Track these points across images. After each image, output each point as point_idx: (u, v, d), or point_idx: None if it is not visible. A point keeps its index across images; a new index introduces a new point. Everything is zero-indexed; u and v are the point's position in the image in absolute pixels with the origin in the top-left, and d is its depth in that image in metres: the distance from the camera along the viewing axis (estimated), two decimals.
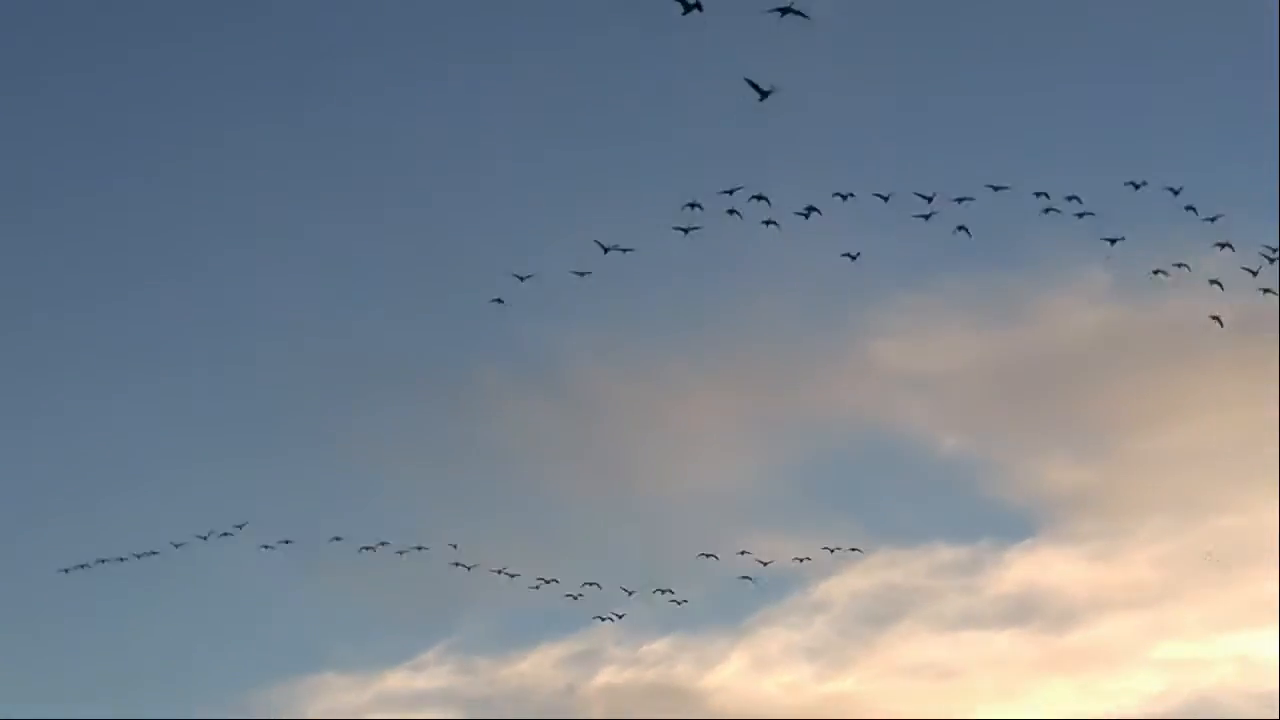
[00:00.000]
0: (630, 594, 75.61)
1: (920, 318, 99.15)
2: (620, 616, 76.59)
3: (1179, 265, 71.38)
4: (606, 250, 67.60)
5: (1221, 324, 72.26)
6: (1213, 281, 71.24)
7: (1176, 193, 70.25)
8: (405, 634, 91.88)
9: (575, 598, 75.80)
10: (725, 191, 66.90)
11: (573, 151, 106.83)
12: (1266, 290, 71.29)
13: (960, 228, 70.34)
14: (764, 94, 53.16)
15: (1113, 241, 70.03)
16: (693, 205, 67.59)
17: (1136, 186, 70.45)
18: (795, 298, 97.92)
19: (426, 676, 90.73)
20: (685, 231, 67.75)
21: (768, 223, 67.90)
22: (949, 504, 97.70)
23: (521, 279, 70.21)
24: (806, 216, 68.83)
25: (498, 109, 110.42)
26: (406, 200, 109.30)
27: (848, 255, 70.99)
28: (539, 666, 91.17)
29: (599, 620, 76.82)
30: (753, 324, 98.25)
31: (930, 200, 68.55)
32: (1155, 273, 71.20)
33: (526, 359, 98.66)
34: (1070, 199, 70.31)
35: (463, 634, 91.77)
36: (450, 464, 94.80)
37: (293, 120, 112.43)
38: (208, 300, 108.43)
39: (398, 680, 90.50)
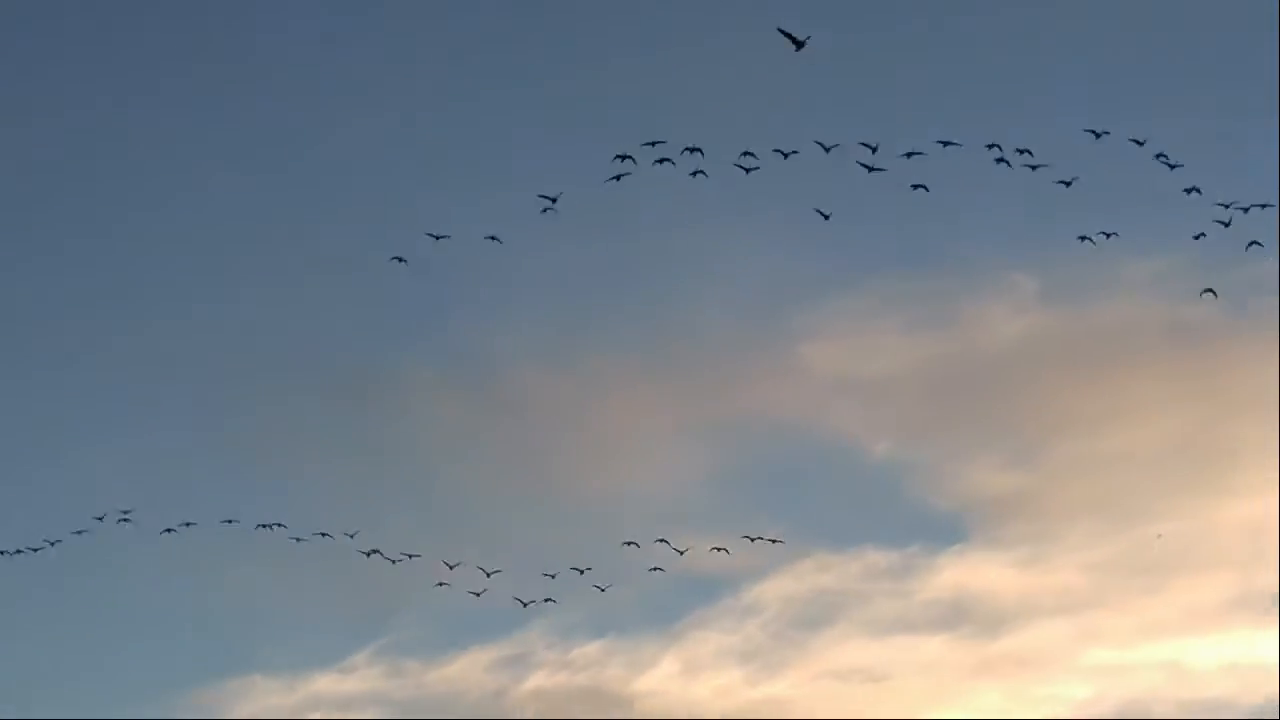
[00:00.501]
0: (552, 577, 74.22)
1: (851, 321, 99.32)
2: (549, 600, 75.63)
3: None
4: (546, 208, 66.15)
5: (1215, 295, 70.17)
6: (1206, 291, 69.71)
7: (1141, 144, 67.72)
8: (334, 635, 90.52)
9: (488, 574, 74.50)
10: (649, 143, 64.87)
11: (492, 113, 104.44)
12: (1207, 290, 69.73)
13: (917, 185, 67.60)
14: (800, 44, 52.01)
15: (1067, 184, 67.40)
16: (623, 157, 65.04)
17: (1097, 135, 68.12)
18: (727, 297, 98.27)
19: (356, 679, 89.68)
20: (618, 179, 65.42)
21: (696, 173, 65.89)
22: (880, 508, 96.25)
23: (436, 238, 68.39)
24: (747, 172, 66.92)
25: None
26: (317, 169, 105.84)
27: (820, 213, 68.12)
28: (469, 670, 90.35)
29: (522, 604, 75.56)
30: (683, 324, 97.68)
31: (875, 151, 65.46)
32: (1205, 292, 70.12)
33: (452, 354, 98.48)
34: (1021, 151, 67.31)
35: (393, 636, 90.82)
36: (366, 458, 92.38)
37: (199, 90, 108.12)
38: (107, 276, 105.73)
39: (327, 683, 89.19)
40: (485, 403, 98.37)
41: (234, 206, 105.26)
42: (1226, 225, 67.41)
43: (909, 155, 66.40)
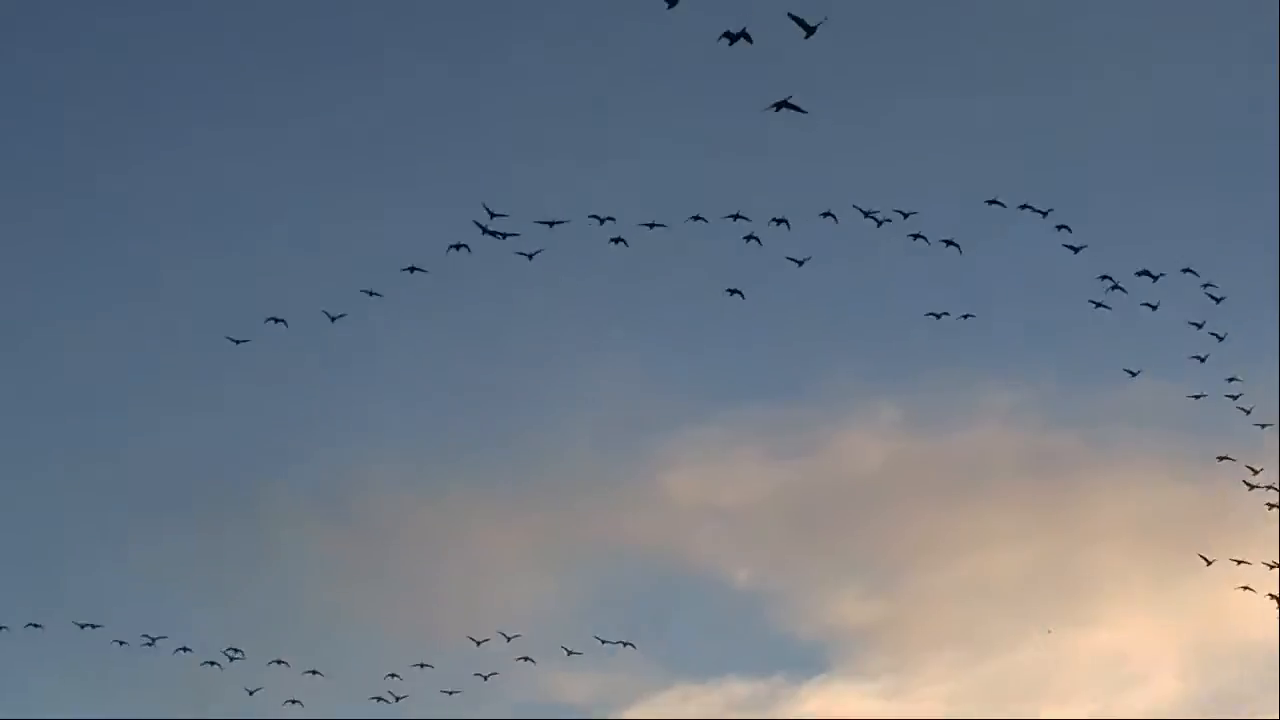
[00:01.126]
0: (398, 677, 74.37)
1: (713, 448, 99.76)
2: (399, 698, 74.99)
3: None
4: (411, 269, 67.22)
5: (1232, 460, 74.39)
6: (1194, 395, 72.45)
7: (1045, 214, 69.35)
8: None
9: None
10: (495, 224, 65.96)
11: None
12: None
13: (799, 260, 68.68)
14: (810, 29, 50.37)
15: (938, 316, 69.98)
16: (493, 215, 65.72)
17: (1004, 206, 69.76)
18: (590, 426, 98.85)
19: None
20: (503, 236, 66.80)
21: (616, 240, 67.70)
22: (743, 638, 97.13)
23: (276, 321, 69.36)
24: (651, 227, 68.29)
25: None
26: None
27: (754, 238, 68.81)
28: None
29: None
30: (546, 452, 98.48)
31: (782, 223, 67.24)
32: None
33: (318, 482, 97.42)
34: (905, 215, 68.88)
35: None
36: (228, 579, 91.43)
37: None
38: None
39: None
40: (350, 531, 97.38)
41: (95, 330, 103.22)
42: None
43: (825, 215, 67.62)
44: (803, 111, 53.57)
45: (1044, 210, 69.58)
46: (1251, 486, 75.15)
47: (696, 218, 67.69)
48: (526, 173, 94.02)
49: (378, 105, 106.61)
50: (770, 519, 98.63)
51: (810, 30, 50.15)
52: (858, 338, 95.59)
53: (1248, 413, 74.26)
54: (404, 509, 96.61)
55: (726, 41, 51.44)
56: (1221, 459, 74.80)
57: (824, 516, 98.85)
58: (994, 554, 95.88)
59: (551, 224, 66.86)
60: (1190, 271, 73.38)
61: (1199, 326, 73.28)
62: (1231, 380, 74.72)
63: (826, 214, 68.47)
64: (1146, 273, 72.23)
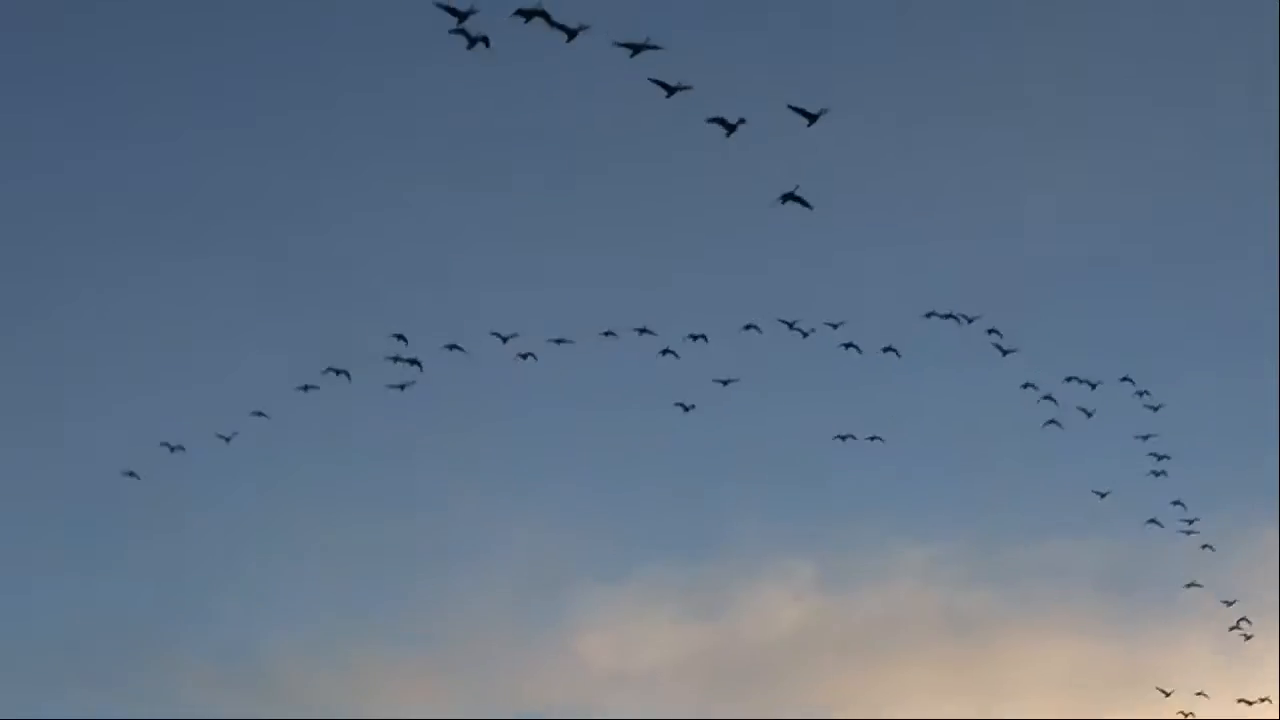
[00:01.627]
0: None
1: (625, 609, 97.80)
2: None
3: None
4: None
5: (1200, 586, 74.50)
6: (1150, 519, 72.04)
7: (981, 325, 68.91)
8: None
9: None
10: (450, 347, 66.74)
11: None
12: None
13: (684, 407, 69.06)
14: (813, 117, 49.76)
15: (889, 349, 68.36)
16: (399, 336, 66.32)
17: (943, 316, 68.61)
18: (499, 585, 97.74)
19: None
20: (401, 388, 67.28)
21: (524, 355, 67.70)
22: None
23: (171, 449, 68.55)
24: (559, 343, 68.38)
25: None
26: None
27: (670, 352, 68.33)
28: None
29: None
30: (453, 613, 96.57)
31: (700, 338, 67.19)
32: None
33: (222, 646, 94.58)
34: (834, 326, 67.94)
35: None
36: None
37: None
38: None
39: None
40: (255, 695, 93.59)
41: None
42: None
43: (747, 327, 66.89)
44: (809, 206, 53.10)
45: (971, 317, 68.40)
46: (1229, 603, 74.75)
47: (608, 333, 67.44)
48: (429, 297, 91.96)
49: (281, 233, 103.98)
50: (684, 682, 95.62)
51: (813, 119, 49.54)
52: (771, 492, 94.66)
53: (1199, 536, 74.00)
54: (310, 671, 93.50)
55: (724, 131, 50.47)
56: (1190, 585, 75.21)
57: (738, 679, 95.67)
58: (912, 713, 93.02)
59: (451, 347, 67.18)
60: (1128, 380, 72.14)
61: (1144, 438, 72.30)
62: (1175, 504, 74.17)
63: (749, 326, 67.63)
64: (1077, 378, 71.12)
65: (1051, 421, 71.48)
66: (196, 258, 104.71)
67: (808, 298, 73.87)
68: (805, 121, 49.39)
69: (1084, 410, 71.47)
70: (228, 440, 68.15)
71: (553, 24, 46.61)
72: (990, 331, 69.18)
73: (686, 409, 69.94)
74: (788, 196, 53.38)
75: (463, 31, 47.79)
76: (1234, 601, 75.34)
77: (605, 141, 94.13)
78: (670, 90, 48.86)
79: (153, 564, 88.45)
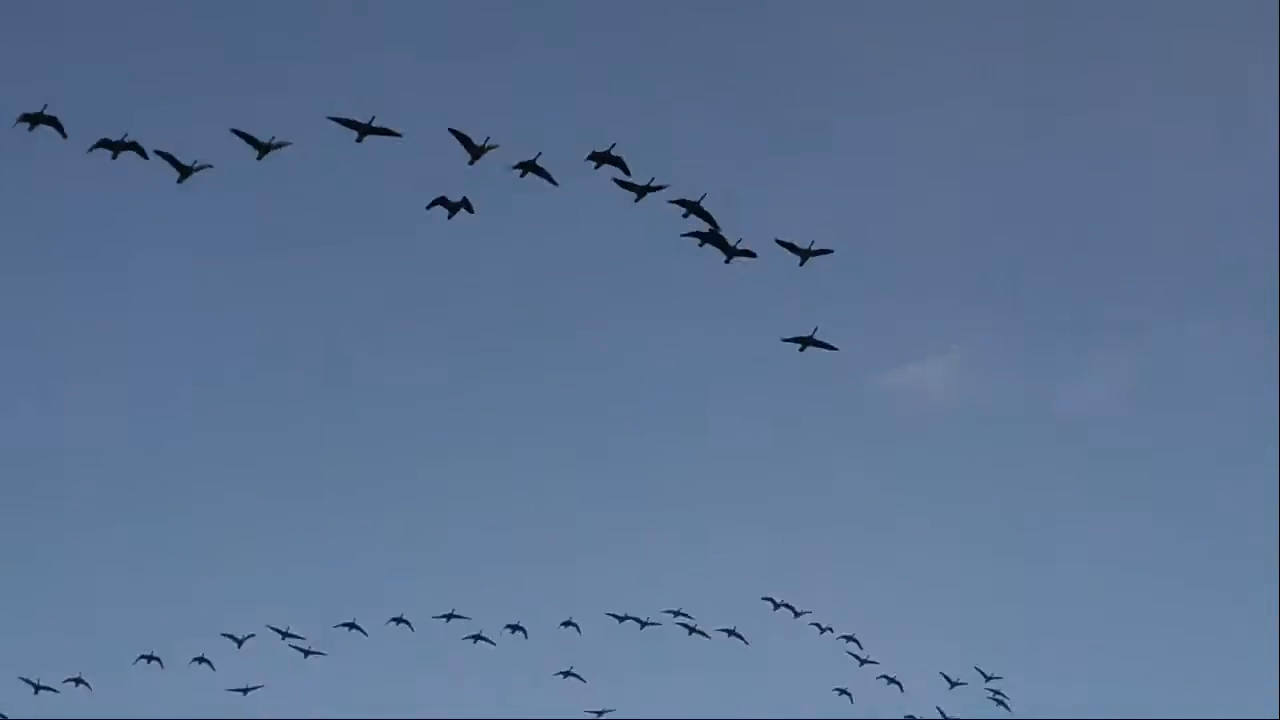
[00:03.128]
0: None
1: None
2: None
3: None
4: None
5: None
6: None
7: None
8: None
9: None
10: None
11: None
12: None
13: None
14: (805, 254, 46.90)
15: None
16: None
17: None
18: None
19: None
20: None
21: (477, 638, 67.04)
22: None
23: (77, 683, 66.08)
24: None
25: None
26: None
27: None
28: None
29: None
30: None
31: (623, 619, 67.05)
32: None
33: None
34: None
35: None
36: None
37: None
38: None
39: None
40: None
41: None
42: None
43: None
44: (833, 349, 48.76)
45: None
46: None
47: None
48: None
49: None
50: None
51: (805, 255, 46.97)
52: None
53: None
54: None
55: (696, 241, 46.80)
56: None
57: None
58: None
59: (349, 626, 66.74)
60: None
61: None
62: None
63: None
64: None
65: None
66: None
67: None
68: (797, 259, 46.91)
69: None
70: None
71: None
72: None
73: None
74: (806, 342, 48.94)
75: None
76: None
77: None
78: (805, 254, 46.64)
79: None
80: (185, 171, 45.74)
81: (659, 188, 45.86)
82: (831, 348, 48.29)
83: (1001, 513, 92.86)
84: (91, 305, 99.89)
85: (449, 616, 66.86)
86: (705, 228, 46.15)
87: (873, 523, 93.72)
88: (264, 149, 45.69)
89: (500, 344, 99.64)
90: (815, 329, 48.17)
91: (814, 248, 47.12)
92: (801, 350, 48.56)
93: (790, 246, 47.07)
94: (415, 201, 47.00)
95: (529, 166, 45.32)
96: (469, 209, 46.82)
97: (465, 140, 44.90)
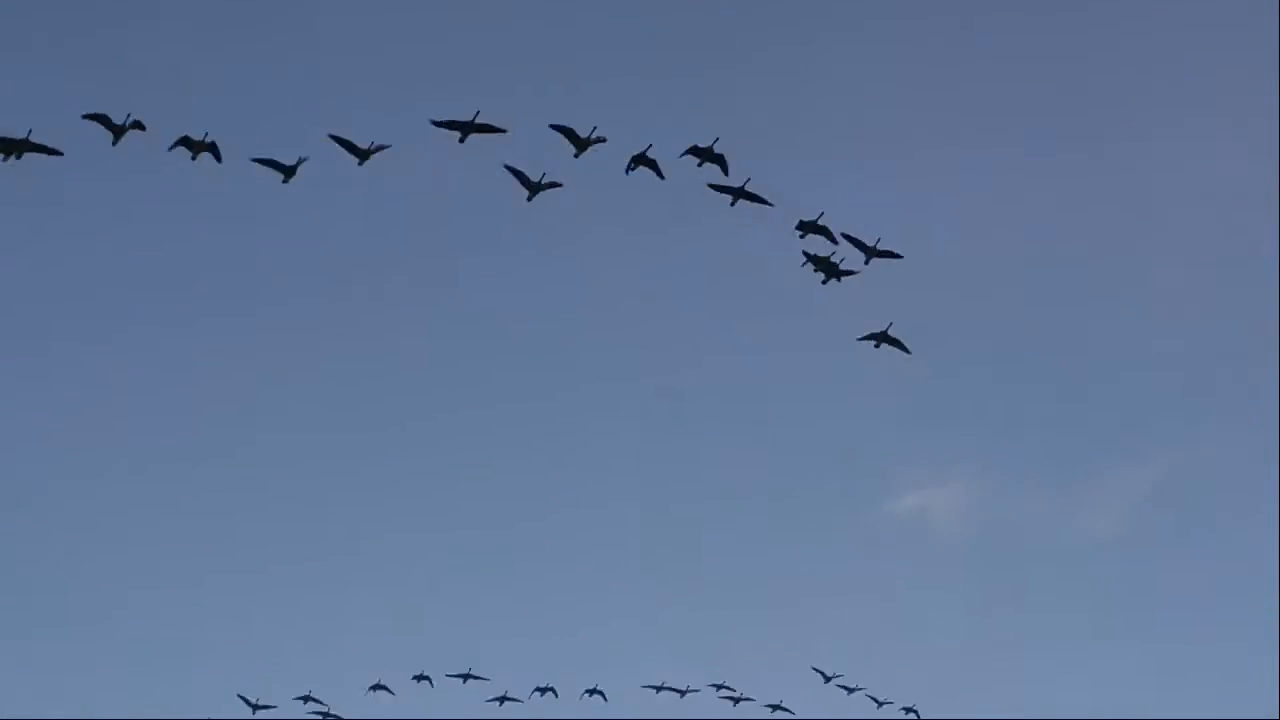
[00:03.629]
0: None
1: None
2: None
3: None
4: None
5: None
6: None
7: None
8: None
9: None
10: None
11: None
12: None
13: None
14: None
15: None
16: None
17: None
18: None
19: None
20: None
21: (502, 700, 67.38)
22: None
23: None
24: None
25: None
26: None
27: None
28: None
29: None
30: None
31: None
32: None
33: None
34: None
35: None
36: None
37: None
38: None
39: None
40: None
41: None
42: None
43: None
44: (906, 349, 50.36)
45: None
46: None
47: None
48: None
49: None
50: None
51: (870, 255, 47.85)
52: None
53: None
54: None
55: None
56: None
57: None
58: None
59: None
60: None
61: None
62: None
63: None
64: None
65: None
66: None
67: None
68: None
69: None
70: None
71: None
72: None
73: None
74: (880, 338, 50.32)
75: None
76: None
77: None
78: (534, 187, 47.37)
79: None
80: (289, 172, 46.80)
81: (758, 197, 47.22)
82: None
83: None
84: None
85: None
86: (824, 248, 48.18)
87: None
88: (364, 155, 46.66)
89: (536, 395, 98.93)
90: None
91: (879, 247, 48.34)
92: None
93: (858, 243, 48.21)
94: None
95: (640, 160, 46.05)
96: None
97: (570, 134, 45.73)
